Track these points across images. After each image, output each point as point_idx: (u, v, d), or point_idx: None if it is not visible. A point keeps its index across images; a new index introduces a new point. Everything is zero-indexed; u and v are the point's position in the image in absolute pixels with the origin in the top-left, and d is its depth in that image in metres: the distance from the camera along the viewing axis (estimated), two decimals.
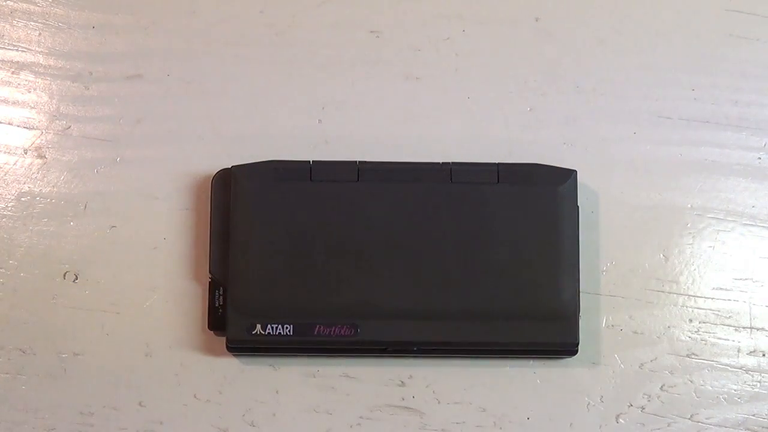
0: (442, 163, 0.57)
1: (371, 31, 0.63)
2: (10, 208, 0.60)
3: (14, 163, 0.61)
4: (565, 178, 0.57)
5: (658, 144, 0.61)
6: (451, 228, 0.56)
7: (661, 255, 0.60)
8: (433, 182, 0.57)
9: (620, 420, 0.58)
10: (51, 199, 0.60)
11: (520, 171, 0.57)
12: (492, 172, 0.57)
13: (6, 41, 0.62)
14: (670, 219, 0.60)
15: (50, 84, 0.62)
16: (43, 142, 0.61)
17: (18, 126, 0.61)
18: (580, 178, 0.58)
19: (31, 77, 0.62)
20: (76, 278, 0.59)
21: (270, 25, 0.63)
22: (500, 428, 0.58)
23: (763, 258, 0.60)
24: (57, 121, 0.61)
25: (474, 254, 0.56)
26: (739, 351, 0.59)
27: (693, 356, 0.59)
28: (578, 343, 0.55)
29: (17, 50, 0.62)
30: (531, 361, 0.58)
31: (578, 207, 0.57)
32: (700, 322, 0.59)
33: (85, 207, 0.60)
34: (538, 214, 0.56)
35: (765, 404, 0.58)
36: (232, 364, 0.58)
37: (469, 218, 0.56)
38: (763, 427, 0.58)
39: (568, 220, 0.57)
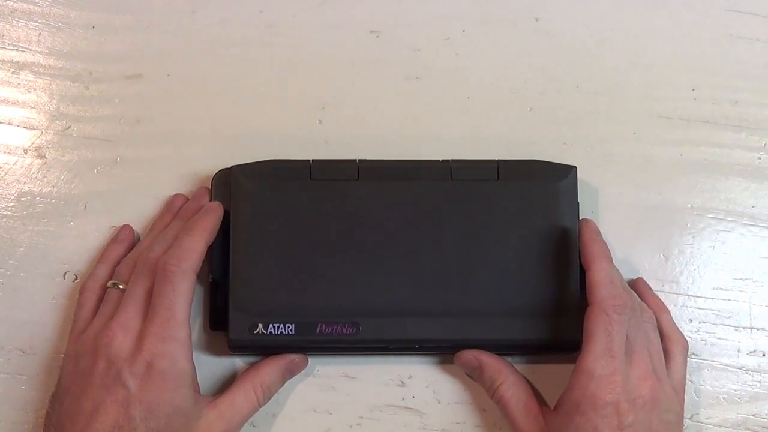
0: (442, 160, 0.57)
1: (371, 31, 0.63)
2: (10, 208, 0.60)
3: (14, 163, 0.61)
4: (565, 174, 0.57)
5: (658, 144, 0.61)
6: (451, 225, 0.56)
7: (661, 255, 0.60)
8: (433, 180, 0.57)
9: None
10: (51, 199, 0.60)
11: (520, 168, 0.57)
12: (492, 169, 0.57)
13: (6, 41, 0.62)
14: (670, 219, 0.60)
15: (50, 84, 0.62)
16: (43, 142, 0.61)
17: (18, 126, 0.61)
18: (580, 177, 0.58)
19: (31, 77, 0.62)
20: (76, 278, 0.59)
21: (270, 25, 0.63)
22: (500, 428, 0.58)
23: (763, 258, 0.60)
24: (57, 121, 0.61)
25: (475, 251, 0.56)
26: (739, 351, 0.59)
27: (693, 356, 0.59)
28: (579, 339, 0.55)
29: (17, 50, 0.62)
30: (532, 361, 0.58)
31: (578, 203, 0.57)
32: (700, 322, 0.59)
33: (85, 207, 0.60)
34: (538, 211, 0.56)
35: (765, 404, 0.58)
36: (233, 363, 0.58)
37: (469, 215, 0.56)
38: (763, 427, 0.58)
39: (568, 215, 0.57)
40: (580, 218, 0.57)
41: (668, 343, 0.55)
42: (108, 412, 0.50)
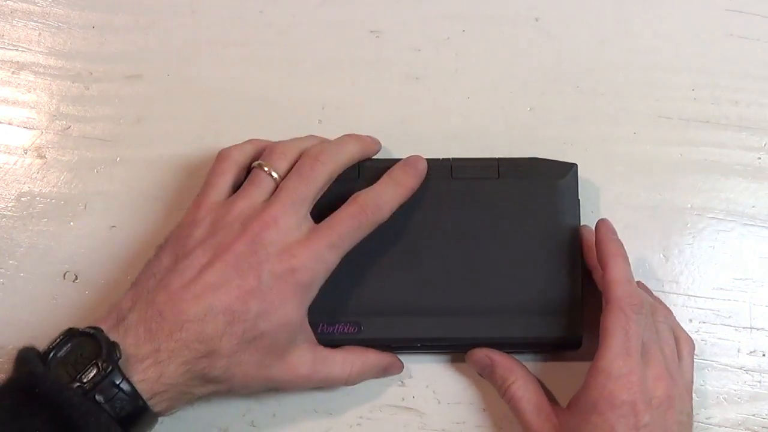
0: (443, 159, 0.57)
1: (371, 31, 0.63)
2: (10, 208, 0.60)
3: (14, 163, 0.61)
4: (566, 171, 0.57)
5: (658, 144, 0.61)
6: (452, 224, 0.56)
7: (661, 255, 0.60)
8: (434, 178, 0.57)
9: None
10: (51, 199, 0.60)
11: (521, 166, 0.57)
12: (492, 168, 0.57)
13: (6, 41, 0.62)
14: (670, 219, 0.60)
15: (50, 84, 0.62)
16: (43, 142, 0.61)
17: (18, 126, 0.61)
18: (581, 176, 0.58)
19: (31, 77, 0.62)
20: (76, 278, 0.59)
21: (270, 25, 0.63)
22: (500, 428, 0.58)
23: (763, 258, 0.60)
24: (57, 121, 0.61)
25: (475, 250, 0.56)
26: (739, 351, 0.59)
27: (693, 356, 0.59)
28: (581, 337, 0.55)
29: (17, 50, 0.62)
30: (533, 360, 0.58)
31: (579, 200, 0.57)
32: (700, 322, 0.59)
33: (85, 207, 0.60)
34: (539, 208, 0.56)
35: (765, 404, 0.58)
36: None
37: (470, 214, 0.56)
38: (763, 427, 0.58)
39: (569, 213, 0.57)
40: (582, 218, 0.57)
41: (676, 343, 0.55)
42: (230, 293, 0.49)
